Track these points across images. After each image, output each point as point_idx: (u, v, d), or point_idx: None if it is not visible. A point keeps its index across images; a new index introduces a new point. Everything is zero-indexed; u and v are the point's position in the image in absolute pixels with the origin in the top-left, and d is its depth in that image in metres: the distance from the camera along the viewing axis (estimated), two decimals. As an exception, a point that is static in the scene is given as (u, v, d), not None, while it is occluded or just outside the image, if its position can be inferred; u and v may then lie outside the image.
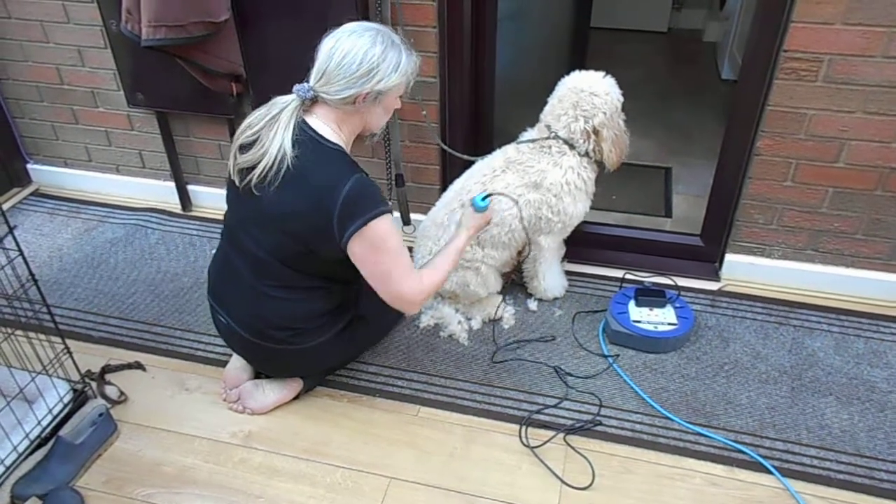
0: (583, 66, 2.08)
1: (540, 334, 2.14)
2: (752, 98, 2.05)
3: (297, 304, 1.74)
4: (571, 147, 2.02)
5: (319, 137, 1.61)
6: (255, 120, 1.63)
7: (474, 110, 2.40)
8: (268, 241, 1.66)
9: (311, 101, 1.62)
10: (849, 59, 1.90)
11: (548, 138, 2.03)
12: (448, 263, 1.77)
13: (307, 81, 1.61)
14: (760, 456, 1.75)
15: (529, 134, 2.10)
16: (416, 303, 1.72)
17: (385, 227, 1.61)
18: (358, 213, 1.58)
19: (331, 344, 1.83)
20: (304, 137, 1.59)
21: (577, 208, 2.08)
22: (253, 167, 1.60)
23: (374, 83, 1.57)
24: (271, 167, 1.57)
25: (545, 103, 2.07)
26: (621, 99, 2.02)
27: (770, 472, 1.72)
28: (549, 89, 2.06)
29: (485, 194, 1.88)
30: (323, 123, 1.63)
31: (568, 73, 2.04)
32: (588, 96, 1.96)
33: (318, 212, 1.58)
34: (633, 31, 4.48)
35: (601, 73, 2.00)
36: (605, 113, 1.97)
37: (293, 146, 1.57)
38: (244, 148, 1.63)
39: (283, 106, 1.60)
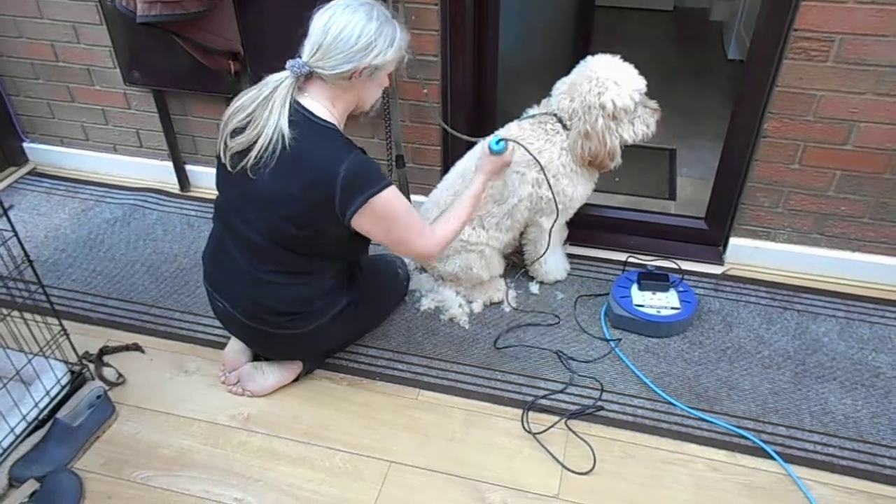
0: (587, 45, 2.03)
1: (542, 318, 2.13)
2: (760, 78, 2.01)
3: (293, 288, 1.71)
4: (564, 126, 1.97)
5: (312, 116, 1.57)
6: (246, 102, 1.58)
7: (477, 90, 2.36)
8: (265, 225, 1.63)
9: (305, 78, 1.58)
10: (861, 39, 1.85)
11: (546, 114, 1.99)
12: (464, 211, 1.79)
13: (300, 56, 1.57)
14: (763, 441, 1.74)
15: (536, 110, 2.06)
16: (434, 255, 1.77)
17: (388, 197, 1.59)
18: (359, 191, 1.56)
19: (329, 326, 1.81)
20: (298, 118, 1.55)
21: (576, 191, 2.04)
22: (247, 150, 1.56)
23: (372, 57, 1.54)
24: (267, 148, 1.53)
25: (549, 83, 2.03)
26: (622, 103, 1.88)
27: (772, 458, 1.71)
28: (554, 68, 2.02)
29: (498, 138, 1.87)
30: (316, 102, 1.59)
31: (573, 53, 1.99)
32: (586, 76, 1.91)
33: (318, 193, 1.55)
34: (638, 9, 4.42)
35: (628, 65, 1.90)
36: (583, 101, 1.89)
37: (289, 126, 1.53)
38: (237, 132, 1.58)
39: (276, 84, 1.55)
